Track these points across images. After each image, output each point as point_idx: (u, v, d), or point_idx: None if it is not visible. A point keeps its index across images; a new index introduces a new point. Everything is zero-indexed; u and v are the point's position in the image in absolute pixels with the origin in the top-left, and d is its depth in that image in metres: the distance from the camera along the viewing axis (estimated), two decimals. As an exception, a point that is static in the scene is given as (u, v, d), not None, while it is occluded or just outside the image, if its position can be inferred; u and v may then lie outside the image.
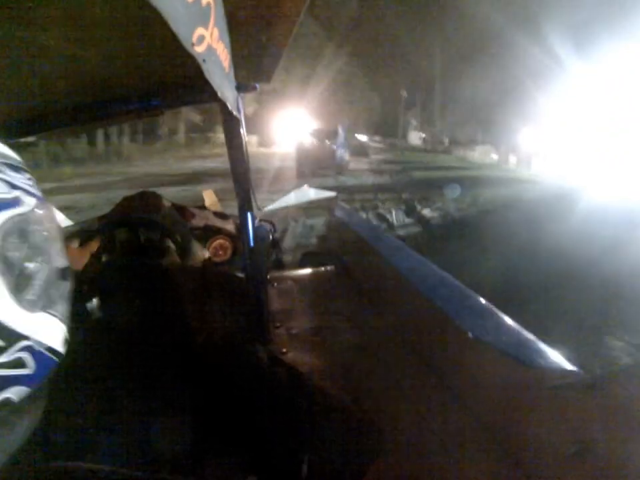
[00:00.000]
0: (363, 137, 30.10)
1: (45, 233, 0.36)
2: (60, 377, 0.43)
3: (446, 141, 35.43)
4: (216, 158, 16.85)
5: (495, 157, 22.51)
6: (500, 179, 12.81)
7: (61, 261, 0.38)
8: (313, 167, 12.13)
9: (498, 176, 13.69)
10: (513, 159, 19.62)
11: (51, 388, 0.40)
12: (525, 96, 18.59)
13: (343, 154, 13.12)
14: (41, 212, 0.36)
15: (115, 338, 0.96)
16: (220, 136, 22.97)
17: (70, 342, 0.40)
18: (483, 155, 24.37)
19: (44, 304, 0.35)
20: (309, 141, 13.01)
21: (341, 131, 13.13)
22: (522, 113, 19.36)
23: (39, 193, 0.37)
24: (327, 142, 12.66)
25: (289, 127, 20.17)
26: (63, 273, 0.38)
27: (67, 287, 0.39)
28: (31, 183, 0.36)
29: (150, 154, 17.42)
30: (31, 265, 0.33)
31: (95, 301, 1.02)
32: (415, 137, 38.02)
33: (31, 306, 0.33)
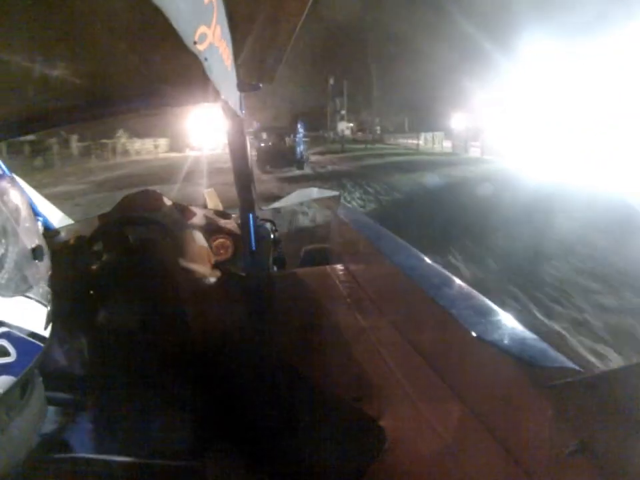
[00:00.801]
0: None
1: (10, 212, 0.34)
2: (57, 370, 0.44)
3: (377, 129, 34.18)
4: (89, 177, 10.75)
5: (447, 144, 20.86)
6: (514, 177, 8.85)
7: (31, 241, 0.36)
8: (275, 164, 12.37)
9: (501, 172, 10.03)
10: (475, 149, 18.08)
11: (46, 387, 0.40)
12: (461, 85, 18.88)
13: (303, 150, 13.44)
14: (1, 189, 0.33)
15: (115, 336, 0.96)
16: (124, 142, 19.84)
17: (69, 336, 0.39)
18: (430, 143, 22.83)
19: (19, 287, 0.33)
20: (267, 139, 13.32)
21: (299, 127, 13.37)
22: (459, 102, 19.63)
23: None
24: (287, 139, 13.01)
25: (207, 127, 16.67)
26: (36, 253, 0.36)
27: (43, 267, 0.37)
28: None
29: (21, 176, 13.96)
30: None
31: (96, 299, 1.02)
32: (343, 127, 35.09)
33: (4, 290, 0.32)
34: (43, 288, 0.36)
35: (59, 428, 0.41)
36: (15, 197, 0.35)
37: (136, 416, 0.50)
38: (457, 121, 23.50)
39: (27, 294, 0.34)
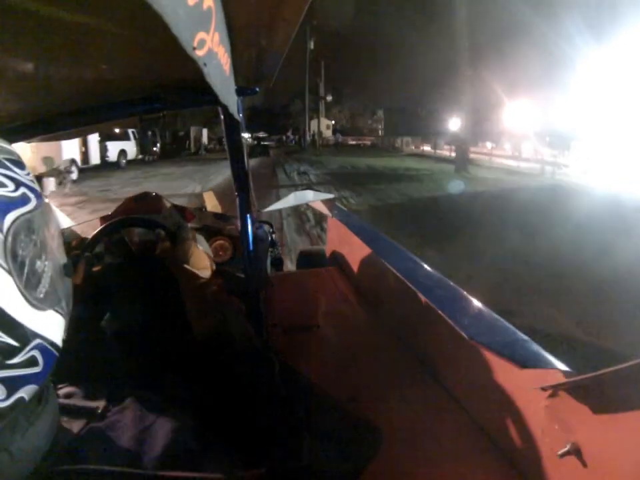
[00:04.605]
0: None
1: (48, 230, 0.36)
2: (63, 376, 0.44)
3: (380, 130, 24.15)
4: None
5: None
6: None
7: (63, 257, 0.38)
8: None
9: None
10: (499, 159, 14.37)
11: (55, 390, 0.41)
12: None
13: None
14: (43, 208, 0.35)
15: (116, 337, 0.97)
16: None
17: (73, 341, 0.40)
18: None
19: (52, 302, 0.35)
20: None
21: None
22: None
23: (38, 189, 0.36)
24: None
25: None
26: (66, 270, 0.38)
27: (69, 283, 0.39)
28: (31, 178, 0.35)
29: None
30: (38, 263, 0.33)
31: (97, 302, 1.03)
32: (323, 126, 24.67)
33: (41, 304, 0.33)
34: (68, 303, 0.38)
35: (68, 437, 0.42)
36: (52, 216, 0.37)
37: (140, 421, 0.50)
38: (456, 124, 19.10)
39: (56, 308, 0.35)
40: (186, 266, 1.03)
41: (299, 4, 0.57)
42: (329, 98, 25.69)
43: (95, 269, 1.09)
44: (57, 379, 0.42)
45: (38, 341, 0.32)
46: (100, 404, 0.48)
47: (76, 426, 0.43)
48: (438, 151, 21.59)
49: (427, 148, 23.23)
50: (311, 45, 23.77)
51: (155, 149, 16.31)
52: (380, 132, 26.63)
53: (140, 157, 15.00)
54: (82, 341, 0.82)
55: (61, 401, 0.43)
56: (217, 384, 0.75)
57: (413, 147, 24.76)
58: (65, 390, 0.48)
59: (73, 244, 1.17)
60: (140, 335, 0.98)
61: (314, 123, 24.67)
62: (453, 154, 17.39)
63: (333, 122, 27.93)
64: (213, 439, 0.55)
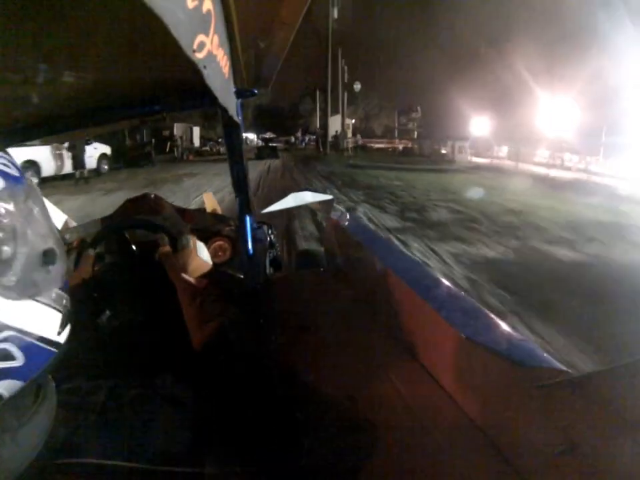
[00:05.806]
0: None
1: (24, 215, 0.33)
2: (63, 374, 0.44)
3: (415, 133, 19.36)
4: None
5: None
6: None
7: (44, 244, 0.35)
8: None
9: None
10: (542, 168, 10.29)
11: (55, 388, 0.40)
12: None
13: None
14: (14, 191, 0.32)
15: (116, 336, 0.98)
16: None
17: (73, 334, 0.39)
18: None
19: (27, 290, 0.32)
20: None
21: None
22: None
23: (13, 172, 0.34)
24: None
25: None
26: (48, 257, 0.35)
27: (55, 270, 0.36)
28: (4, 162, 0.33)
29: None
30: (4, 248, 0.30)
31: (98, 301, 1.03)
32: (336, 127, 18.96)
33: (10, 292, 0.30)
34: (55, 292, 0.35)
35: (65, 432, 0.42)
36: (30, 199, 0.34)
37: (136, 415, 0.51)
38: (480, 126, 17.13)
39: (37, 298, 0.33)
40: (184, 275, 1.04)
41: (297, 7, 0.58)
42: (357, 87, 20.51)
43: (96, 268, 1.10)
44: (57, 376, 0.42)
45: (9, 332, 0.30)
46: (99, 400, 0.48)
47: (74, 421, 0.43)
48: (520, 164, 14.87)
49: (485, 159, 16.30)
50: (335, 13, 18.86)
51: (87, 156, 10.28)
52: (415, 134, 23.30)
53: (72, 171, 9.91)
54: (82, 339, 0.82)
55: (61, 397, 0.43)
56: (215, 383, 0.75)
57: (471, 157, 17.67)
58: (64, 387, 0.48)
59: (74, 244, 1.17)
60: (139, 335, 0.99)
61: (332, 122, 19.45)
62: (557, 171, 10.92)
63: (353, 121, 23.67)
64: (210, 436, 0.56)
